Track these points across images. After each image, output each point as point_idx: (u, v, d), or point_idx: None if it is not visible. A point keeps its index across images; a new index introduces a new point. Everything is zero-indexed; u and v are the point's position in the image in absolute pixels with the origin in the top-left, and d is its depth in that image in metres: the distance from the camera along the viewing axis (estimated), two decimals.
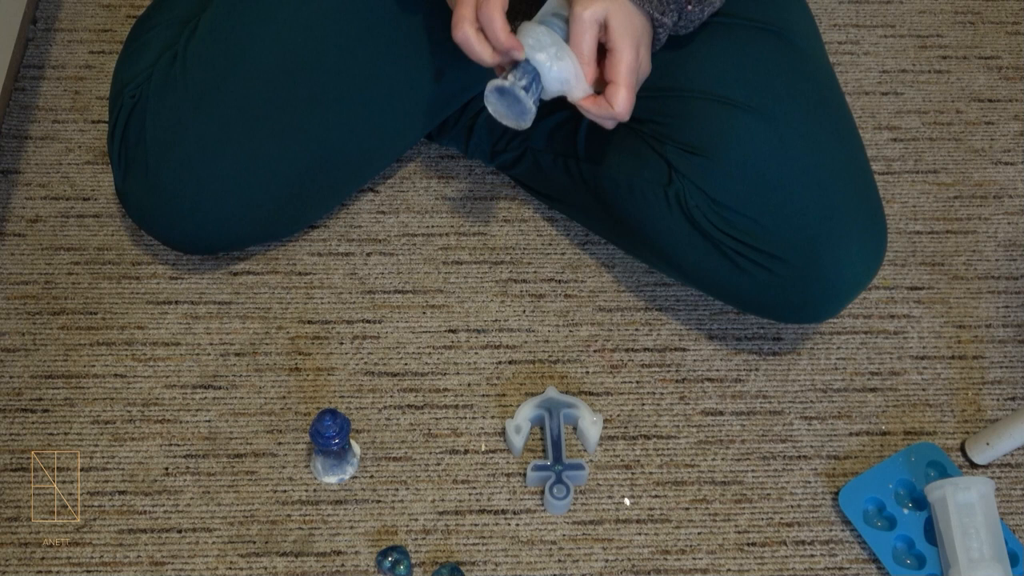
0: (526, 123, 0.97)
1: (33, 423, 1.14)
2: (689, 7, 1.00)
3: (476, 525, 1.10)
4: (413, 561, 1.07)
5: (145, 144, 1.11)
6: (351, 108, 1.13)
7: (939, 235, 1.31)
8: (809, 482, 1.14)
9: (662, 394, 1.18)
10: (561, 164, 1.21)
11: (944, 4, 1.51)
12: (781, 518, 1.12)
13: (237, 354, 1.19)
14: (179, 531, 1.09)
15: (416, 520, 1.10)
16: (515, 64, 0.96)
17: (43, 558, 1.07)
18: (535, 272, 1.25)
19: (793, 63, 1.08)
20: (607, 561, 1.09)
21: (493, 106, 0.98)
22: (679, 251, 1.12)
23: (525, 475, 1.11)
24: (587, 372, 1.19)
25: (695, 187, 1.07)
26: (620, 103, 0.95)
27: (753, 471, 1.14)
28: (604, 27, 0.95)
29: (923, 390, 1.20)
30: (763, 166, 1.05)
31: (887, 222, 1.30)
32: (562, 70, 0.95)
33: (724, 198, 1.06)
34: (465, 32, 0.94)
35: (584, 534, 1.10)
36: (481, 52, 0.95)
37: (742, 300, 1.14)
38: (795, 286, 1.07)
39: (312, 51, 1.10)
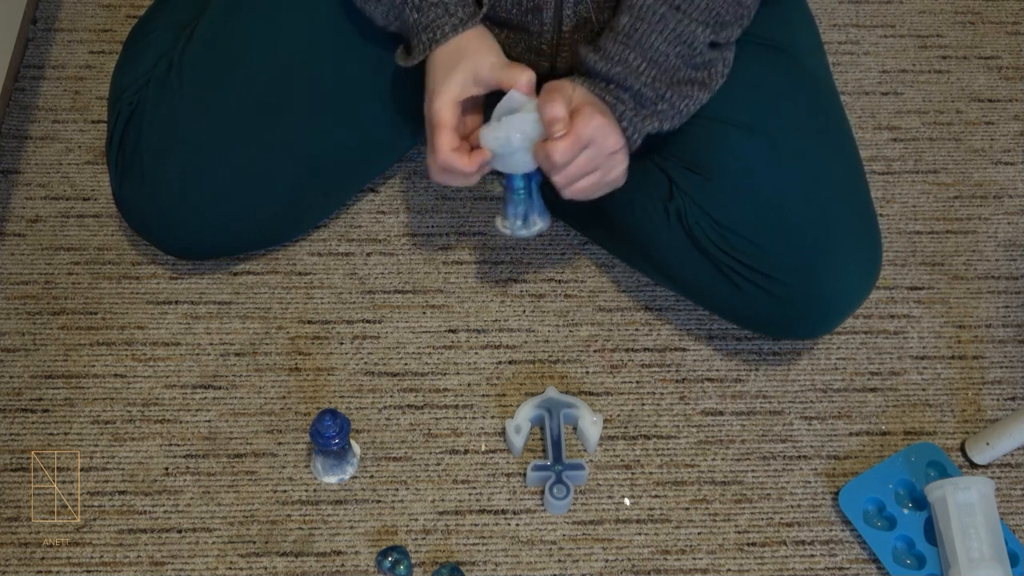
0: (547, 226, 1.08)
1: (33, 423, 1.14)
2: (659, 106, 1.01)
3: (476, 525, 1.10)
4: (413, 561, 1.07)
5: (142, 151, 1.12)
6: (347, 115, 1.13)
7: (939, 235, 1.31)
8: (809, 482, 1.14)
9: (662, 394, 1.18)
10: None
11: (944, 4, 1.51)
12: (781, 518, 1.12)
13: (237, 354, 1.19)
14: (179, 531, 1.09)
15: (416, 520, 1.10)
16: (505, 201, 1.05)
17: (43, 558, 1.07)
18: (535, 272, 1.25)
19: (796, 82, 1.08)
20: (607, 561, 1.09)
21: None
22: (677, 266, 1.12)
23: (525, 475, 1.11)
24: (587, 372, 1.19)
25: (695, 205, 1.07)
26: (560, 146, 0.96)
27: (753, 471, 1.14)
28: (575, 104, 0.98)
29: (923, 390, 1.20)
30: (761, 188, 1.05)
31: (888, 222, 1.31)
32: (530, 162, 1.01)
33: (723, 218, 1.06)
34: (445, 180, 1.03)
35: (584, 534, 1.10)
36: (467, 182, 1.03)
37: (738, 316, 1.15)
38: (791, 305, 1.08)
39: (308, 58, 1.10)
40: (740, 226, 1.06)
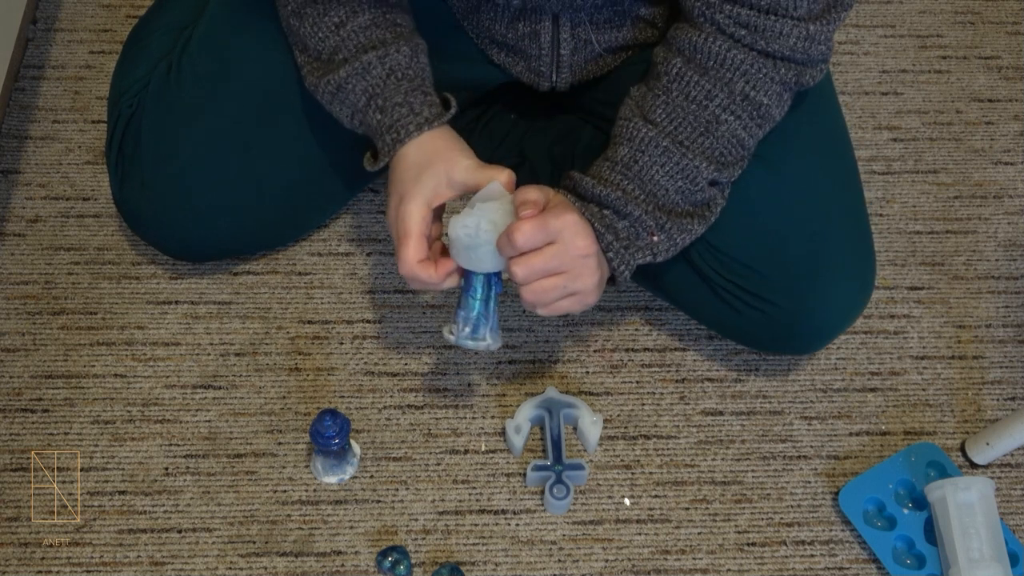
0: (494, 349, 0.99)
1: (33, 423, 1.14)
2: (655, 238, 0.97)
3: (476, 525, 1.10)
4: (413, 561, 1.07)
5: (141, 155, 1.12)
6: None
7: (939, 235, 1.31)
8: (809, 482, 1.14)
9: (662, 394, 1.18)
10: (558, 176, 1.20)
11: (944, 4, 1.51)
12: (781, 518, 1.12)
13: (237, 354, 1.19)
14: (179, 531, 1.09)
15: (416, 520, 1.10)
16: (458, 306, 0.98)
17: (43, 558, 1.07)
18: None
19: (803, 103, 1.05)
20: (607, 561, 1.09)
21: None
22: (673, 285, 1.12)
23: (525, 475, 1.11)
24: (587, 372, 1.19)
25: None
26: (524, 226, 0.90)
27: (753, 471, 1.14)
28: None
29: (923, 390, 1.20)
30: (758, 214, 1.04)
31: (888, 222, 1.31)
32: (496, 260, 0.94)
33: (719, 242, 1.05)
34: (412, 285, 0.98)
35: (584, 534, 1.10)
36: (436, 288, 0.97)
37: (732, 333, 1.15)
38: (782, 326, 1.08)
39: None
40: (736, 251, 1.05)
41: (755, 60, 0.95)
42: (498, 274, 0.97)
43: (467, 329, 0.98)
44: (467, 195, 0.97)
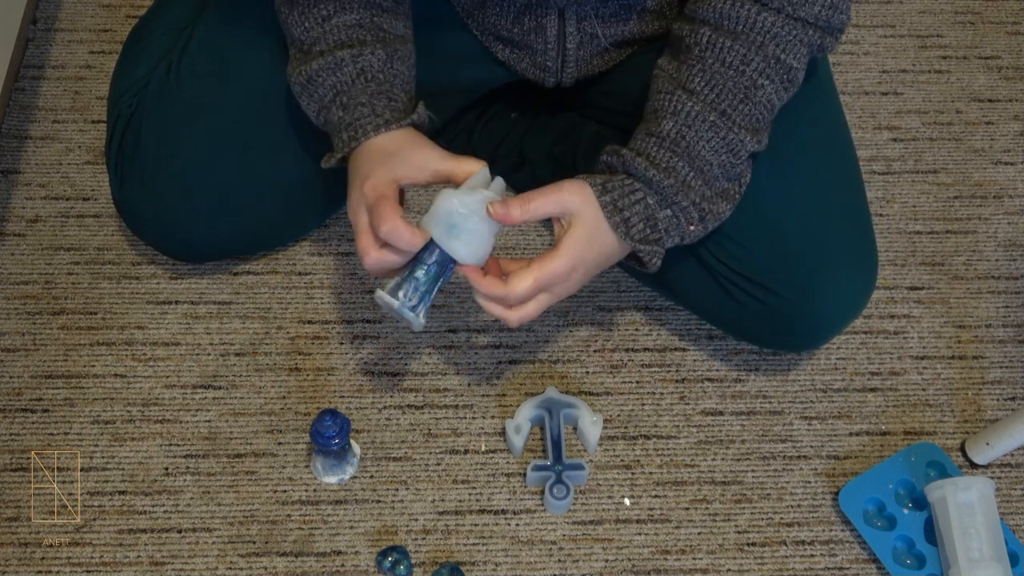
0: (416, 329, 0.97)
1: (33, 423, 1.14)
2: (692, 228, 0.98)
3: (476, 525, 1.10)
4: (413, 561, 1.07)
5: (140, 155, 1.12)
6: None
7: (939, 235, 1.31)
8: (809, 482, 1.14)
9: (662, 394, 1.18)
10: (559, 177, 1.20)
11: (944, 4, 1.51)
12: (781, 518, 1.12)
13: (237, 354, 1.19)
14: (179, 531, 1.09)
15: (416, 520, 1.10)
16: (409, 273, 0.94)
17: (43, 558, 1.07)
18: None
19: (805, 94, 1.06)
20: (607, 561, 1.09)
21: (383, 308, 0.97)
22: (674, 275, 1.12)
23: (525, 475, 1.11)
24: (587, 372, 1.19)
25: None
26: (518, 288, 0.92)
27: (753, 471, 1.14)
28: (568, 223, 0.94)
29: (923, 390, 1.20)
30: (762, 199, 1.04)
31: (888, 222, 1.31)
32: (469, 249, 0.93)
33: (721, 226, 1.05)
34: (373, 259, 0.94)
35: (584, 534, 1.10)
36: (401, 260, 0.94)
37: (731, 326, 1.15)
38: (783, 319, 1.08)
39: None
40: (738, 235, 1.05)
41: (785, 23, 0.96)
42: (453, 264, 0.95)
43: (414, 300, 0.95)
44: (437, 184, 0.96)
